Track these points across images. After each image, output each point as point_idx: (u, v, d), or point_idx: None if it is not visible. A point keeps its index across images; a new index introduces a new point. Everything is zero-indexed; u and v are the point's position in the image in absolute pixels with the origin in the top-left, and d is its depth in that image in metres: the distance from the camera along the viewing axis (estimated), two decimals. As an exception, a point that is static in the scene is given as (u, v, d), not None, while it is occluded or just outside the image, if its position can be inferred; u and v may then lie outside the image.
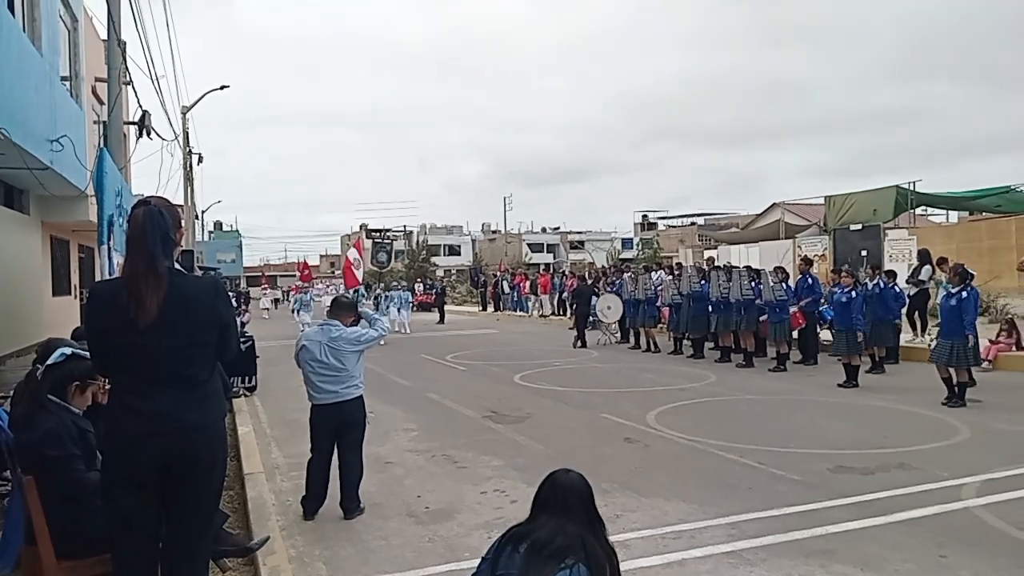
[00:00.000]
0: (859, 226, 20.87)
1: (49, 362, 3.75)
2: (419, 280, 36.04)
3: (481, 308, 34.00)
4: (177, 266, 3.13)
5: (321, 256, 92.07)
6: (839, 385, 10.45)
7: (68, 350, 3.83)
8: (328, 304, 6.09)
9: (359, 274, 24.32)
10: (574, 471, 2.79)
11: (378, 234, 25.01)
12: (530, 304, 29.34)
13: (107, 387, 3.35)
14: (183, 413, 2.93)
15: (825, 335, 13.48)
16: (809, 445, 7.19)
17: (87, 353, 3.34)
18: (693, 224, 58.84)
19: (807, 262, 14.04)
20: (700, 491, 5.78)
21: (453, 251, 78.24)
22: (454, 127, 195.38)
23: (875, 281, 12.01)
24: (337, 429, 5.49)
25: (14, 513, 3.89)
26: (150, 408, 2.90)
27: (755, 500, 5.52)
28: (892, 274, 12.74)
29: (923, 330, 13.62)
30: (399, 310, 22.26)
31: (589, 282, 20.88)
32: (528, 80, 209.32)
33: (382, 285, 23.06)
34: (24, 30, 10.09)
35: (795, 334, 13.00)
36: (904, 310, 13.25)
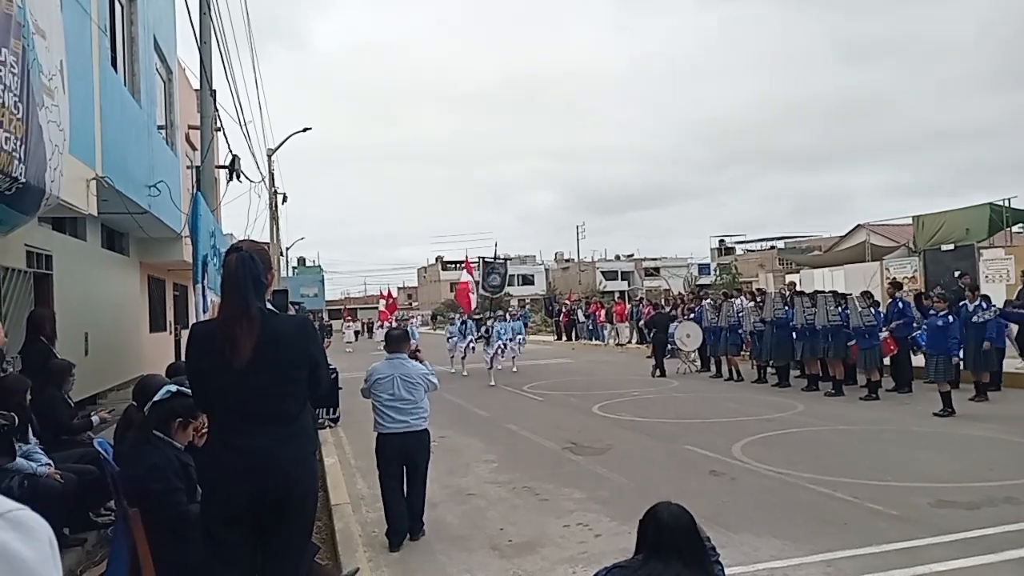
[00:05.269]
0: (951, 246, 19.96)
1: (156, 399, 3.95)
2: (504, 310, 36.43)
3: (556, 337, 33.96)
4: (269, 306, 3.26)
5: (399, 288, 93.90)
6: (935, 414, 9.94)
7: (173, 387, 4.02)
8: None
9: (473, 299, 23.81)
10: (675, 504, 2.71)
11: (490, 260, 23.97)
12: (606, 333, 29.12)
13: (205, 429, 3.50)
14: (277, 449, 3.03)
15: (919, 361, 12.89)
16: (907, 478, 6.85)
17: (189, 391, 3.51)
18: (773, 248, 57.22)
19: (896, 285, 13.50)
20: (792, 526, 5.58)
21: (527, 281, 78.51)
22: (526, 158, 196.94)
23: (976, 303, 11.44)
24: (404, 458, 5.67)
25: (118, 543, 4.08)
26: (247, 444, 3.01)
27: (852, 536, 5.28)
28: (986, 298, 12.10)
29: None
30: (508, 343, 18.47)
31: (666, 309, 20.59)
32: (600, 109, 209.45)
33: (491, 314, 20.91)
34: (125, 84, 10.79)
35: (887, 361, 12.47)
36: (1015, 335, 12.57)
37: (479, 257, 24.76)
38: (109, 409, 6.71)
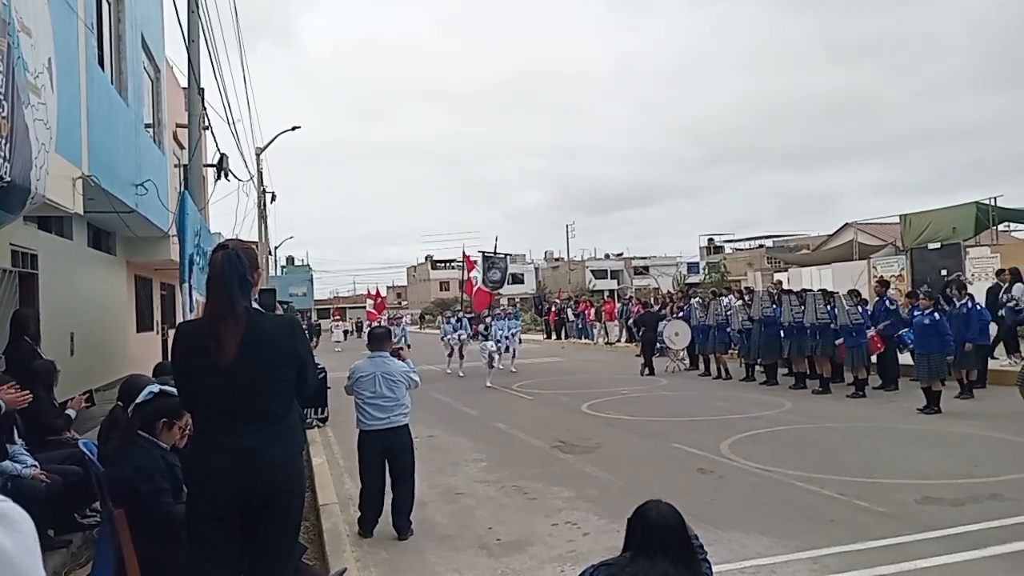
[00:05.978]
0: (938, 245, 20.12)
1: (139, 400, 3.92)
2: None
3: (546, 336, 33.98)
4: (256, 305, 3.25)
5: (388, 287, 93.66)
6: (920, 411, 10.03)
7: (156, 387, 3.99)
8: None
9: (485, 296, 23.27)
10: (664, 503, 2.72)
11: (491, 253, 23.07)
12: (595, 331, 29.16)
13: (189, 431, 3.49)
14: (264, 448, 3.02)
15: (905, 359, 12.99)
16: (893, 475, 6.90)
17: (174, 390, 3.49)
18: (761, 247, 57.53)
19: (883, 284, 13.58)
20: (780, 524, 5.61)
21: (517, 279, 78.37)
22: (517, 157, 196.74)
23: (963, 301, 11.53)
24: (386, 453, 5.76)
25: (104, 544, 4.06)
26: (233, 443, 3.00)
27: (838, 533, 5.32)
28: (971, 296, 12.19)
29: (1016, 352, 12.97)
30: (507, 342, 18.06)
31: (655, 308, 20.65)
32: (591, 108, 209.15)
33: (489, 313, 20.50)
34: (112, 83, 10.70)
35: (874, 358, 12.56)
36: (996, 332, 12.67)
37: (479, 251, 24.47)
38: (85, 398, 6.65)
